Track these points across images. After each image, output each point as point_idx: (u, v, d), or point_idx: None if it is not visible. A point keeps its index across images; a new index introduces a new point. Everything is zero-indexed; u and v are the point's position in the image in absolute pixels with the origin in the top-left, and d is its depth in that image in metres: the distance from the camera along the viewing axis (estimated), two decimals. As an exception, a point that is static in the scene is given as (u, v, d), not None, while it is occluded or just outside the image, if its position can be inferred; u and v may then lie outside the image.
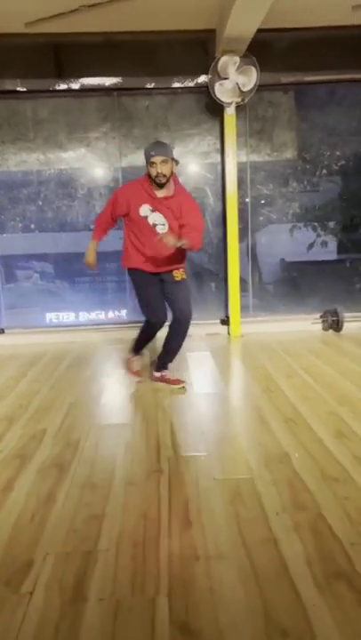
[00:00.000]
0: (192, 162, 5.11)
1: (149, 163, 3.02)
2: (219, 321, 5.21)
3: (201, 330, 5.04)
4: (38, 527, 1.83)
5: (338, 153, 5.17)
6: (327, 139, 5.16)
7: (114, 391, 3.39)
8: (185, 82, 4.77)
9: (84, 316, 5.28)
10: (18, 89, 4.73)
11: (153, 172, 3.03)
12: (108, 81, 4.75)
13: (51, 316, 5.28)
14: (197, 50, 4.75)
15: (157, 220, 3.13)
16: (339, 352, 4.22)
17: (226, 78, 4.48)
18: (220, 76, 4.51)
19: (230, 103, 4.64)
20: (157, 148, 3.04)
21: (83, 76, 4.72)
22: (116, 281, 5.37)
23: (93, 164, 5.08)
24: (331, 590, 1.46)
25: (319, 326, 5.11)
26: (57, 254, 5.31)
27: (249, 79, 4.46)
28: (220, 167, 5.06)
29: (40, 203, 5.12)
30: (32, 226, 5.18)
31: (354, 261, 5.46)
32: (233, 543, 1.69)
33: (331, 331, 5.01)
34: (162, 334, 3.42)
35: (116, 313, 5.28)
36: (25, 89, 4.73)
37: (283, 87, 4.96)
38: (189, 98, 4.96)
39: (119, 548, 1.69)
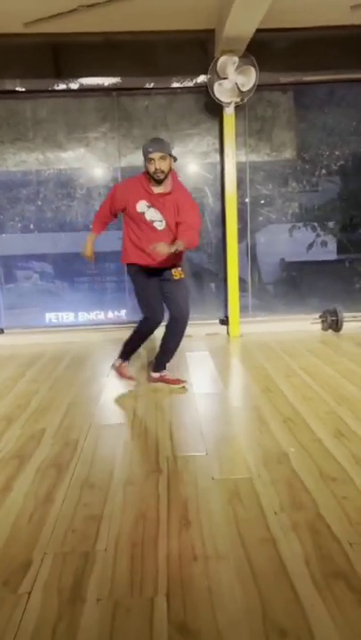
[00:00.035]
0: (191, 162, 5.11)
1: (147, 159, 3.03)
2: (218, 321, 5.21)
3: (200, 330, 5.04)
4: (37, 527, 1.83)
5: (337, 153, 5.17)
6: (326, 138, 5.16)
7: (113, 391, 3.38)
8: (184, 82, 4.77)
9: (83, 316, 5.28)
10: (17, 89, 4.73)
11: (151, 169, 3.04)
12: (107, 81, 4.75)
13: (50, 316, 5.28)
14: (196, 50, 4.75)
15: (154, 216, 3.14)
16: (338, 352, 4.22)
17: (225, 78, 4.48)
18: (219, 76, 4.51)
19: (229, 103, 4.64)
20: (156, 144, 3.05)
21: (82, 76, 4.72)
22: (115, 281, 5.37)
23: (92, 163, 5.08)
24: (329, 590, 1.46)
25: (318, 326, 5.11)
26: (56, 254, 5.31)
27: (248, 79, 4.46)
28: (219, 167, 5.06)
29: (39, 203, 5.12)
30: (31, 226, 5.18)
31: (353, 261, 5.46)
32: (231, 543, 1.69)
33: (330, 330, 5.01)
34: (155, 336, 3.41)
35: (116, 313, 5.28)
36: (24, 89, 4.74)
37: (282, 87, 4.96)
38: (188, 98, 4.96)
39: (118, 549, 1.69)
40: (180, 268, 3.25)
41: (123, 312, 5.25)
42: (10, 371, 4.02)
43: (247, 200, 5.16)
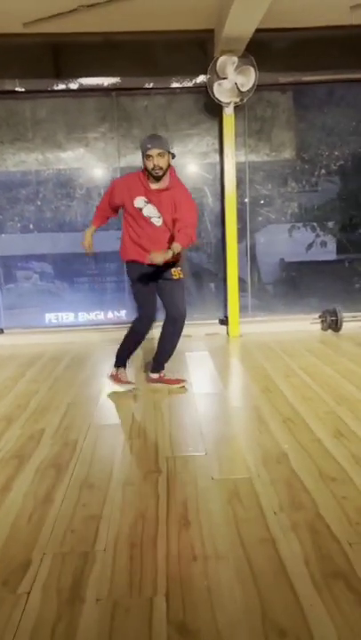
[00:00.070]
0: (191, 162, 5.11)
1: (146, 156, 3.04)
2: (218, 321, 5.21)
3: (200, 330, 5.04)
4: (36, 527, 1.83)
5: (336, 153, 5.17)
6: (326, 138, 5.16)
7: (113, 391, 3.37)
8: (184, 82, 4.78)
9: (83, 317, 5.28)
10: (16, 89, 4.73)
11: (149, 165, 3.04)
12: (106, 81, 4.75)
13: (50, 317, 5.27)
14: (196, 50, 4.76)
15: (152, 212, 3.14)
16: (338, 352, 4.22)
17: (224, 78, 4.48)
18: (218, 76, 4.50)
19: (229, 103, 4.64)
20: (154, 140, 3.05)
21: (81, 76, 4.72)
22: (115, 281, 5.37)
23: (92, 164, 5.08)
24: (329, 590, 1.46)
25: (318, 326, 5.11)
26: (56, 254, 5.31)
27: (247, 79, 4.46)
28: (218, 167, 5.06)
29: (39, 203, 5.12)
30: (31, 226, 5.18)
31: (353, 261, 5.46)
32: (231, 543, 1.69)
33: (330, 330, 5.01)
34: (153, 336, 3.41)
35: (116, 313, 5.27)
36: (23, 89, 4.74)
37: (281, 87, 4.96)
38: (188, 98, 4.96)
39: (117, 549, 1.69)
40: (179, 268, 3.24)
41: (123, 312, 5.25)
42: (10, 371, 4.02)
43: (247, 200, 5.16)
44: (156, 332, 3.44)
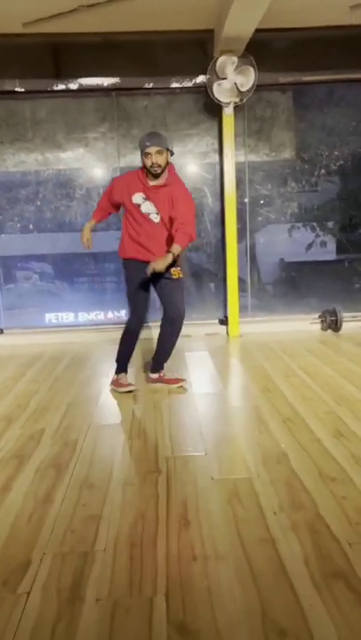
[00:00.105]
0: (190, 162, 5.11)
1: (144, 153, 3.05)
2: (217, 321, 5.21)
3: (200, 330, 5.04)
4: (36, 527, 1.83)
5: (336, 153, 5.17)
6: (326, 138, 5.16)
7: (113, 391, 3.37)
8: (183, 82, 4.78)
9: (83, 317, 5.28)
10: (16, 89, 4.73)
11: (148, 163, 3.05)
12: (106, 81, 4.75)
13: (50, 317, 5.27)
14: (196, 50, 4.76)
15: (150, 209, 3.15)
16: (337, 352, 4.22)
17: (224, 78, 4.48)
18: (218, 76, 4.50)
19: (229, 103, 4.64)
20: (152, 138, 3.06)
21: (81, 77, 4.72)
22: (115, 281, 5.37)
23: (92, 164, 5.08)
24: (329, 590, 1.46)
25: (318, 326, 5.11)
26: (56, 255, 5.31)
27: (247, 79, 4.46)
28: (218, 167, 5.06)
29: (39, 203, 5.12)
30: (31, 226, 5.18)
31: (353, 261, 5.46)
32: (231, 543, 1.69)
33: (329, 330, 5.01)
34: (152, 337, 3.41)
35: (116, 313, 5.27)
36: (23, 89, 4.74)
37: (281, 87, 4.96)
38: (188, 98, 4.96)
39: (117, 549, 1.69)
40: (179, 268, 3.23)
41: (123, 312, 5.24)
42: (10, 371, 4.02)
43: (246, 200, 5.17)
44: (155, 332, 3.44)
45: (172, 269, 3.18)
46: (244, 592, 1.46)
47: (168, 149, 3.09)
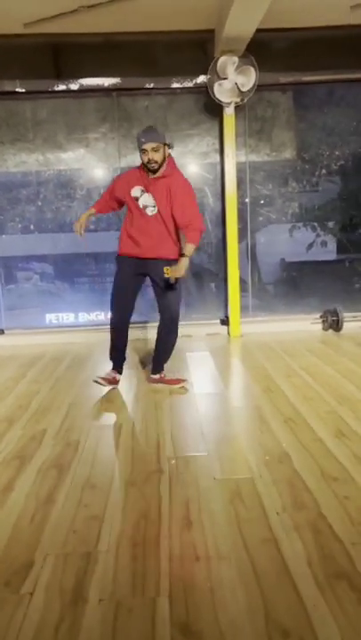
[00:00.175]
0: (191, 162, 5.11)
1: (141, 150, 3.06)
2: (218, 321, 5.21)
3: (201, 330, 5.04)
4: (38, 528, 1.83)
5: (337, 153, 5.17)
6: (326, 138, 5.16)
7: (113, 391, 3.38)
8: (184, 82, 4.78)
9: (83, 317, 5.28)
10: (17, 90, 4.73)
11: (144, 159, 3.07)
12: (107, 81, 4.75)
13: (50, 317, 5.27)
14: (196, 50, 4.75)
15: (148, 201, 3.16)
16: (338, 352, 4.22)
17: (225, 78, 4.48)
18: (219, 76, 4.50)
19: (229, 103, 4.64)
20: (148, 134, 3.07)
21: (82, 77, 4.72)
22: (115, 282, 5.37)
23: (92, 164, 5.08)
24: (332, 590, 1.46)
25: (319, 326, 5.11)
26: (56, 255, 5.31)
27: (248, 79, 4.46)
28: (219, 167, 5.05)
29: (39, 203, 5.12)
30: (31, 227, 5.18)
31: (353, 261, 5.46)
32: (233, 543, 1.69)
33: (330, 330, 5.01)
34: (151, 338, 3.41)
35: (116, 313, 5.26)
36: (24, 90, 4.73)
37: (281, 87, 4.96)
38: (188, 98, 4.96)
39: (119, 549, 1.69)
40: (173, 267, 3.18)
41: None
42: (11, 371, 4.02)
43: (247, 200, 5.16)
44: (154, 332, 3.44)
45: (165, 268, 3.14)
46: (247, 592, 1.46)
47: (165, 144, 3.09)
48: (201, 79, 4.72)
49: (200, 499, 1.98)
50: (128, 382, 3.54)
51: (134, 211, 3.21)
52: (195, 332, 4.95)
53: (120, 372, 3.43)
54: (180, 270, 3.10)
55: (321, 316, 5.11)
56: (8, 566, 1.62)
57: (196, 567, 1.58)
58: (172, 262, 3.16)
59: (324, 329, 5.07)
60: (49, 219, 5.15)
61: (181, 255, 3.14)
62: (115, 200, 3.38)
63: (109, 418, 2.97)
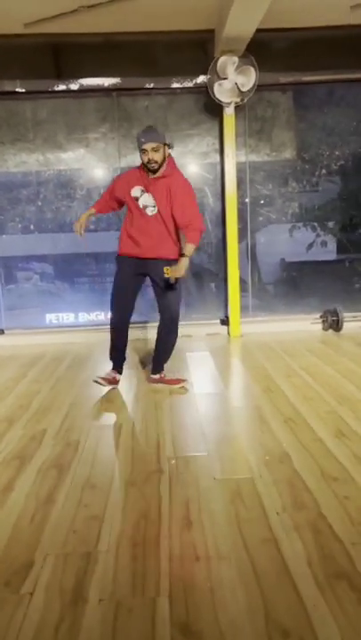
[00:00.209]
0: (191, 162, 5.11)
1: (140, 150, 3.06)
2: (218, 321, 5.21)
3: (201, 330, 5.04)
4: (38, 528, 1.83)
5: (337, 153, 5.17)
6: (326, 138, 5.16)
7: (113, 391, 3.38)
8: (184, 82, 4.77)
9: (83, 317, 5.28)
10: (17, 90, 4.73)
11: (144, 159, 3.08)
12: (107, 81, 4.75)
13: (50, 317, 5.27)
14: (196, 50, 4.75)
15: (148, 201, 3.16)
16: (338, 352, 4.22)
17: (225, 78, 4.48)
18: (219, 76, 4.50)
19: (229, 103, 4.64)
20: (148, 134, 3.07)
21: (82, 77, 4.71)
22: (115, 282, 5.37)
23: (92, 164, 5.08)
24: (332, 590, 1.46)
25: (319, 326, 5.11)
26: (56, 255, 5.31)
27: (248, 79, 4.45)
28: (219, 167, 5.06)
29: (39, 203, 5.12)
30: (31, 227, 5.18)
31: (353, 261, 5.46)
32: (233, 543, 1.69)
33: (330, 330, 5.01)
34: (151, 338, 3.41)
35: (116, 313, 5.26)
36: (24, 90, 4.73)
37: (282, 87, 4.96)
38: (188, 98, 4.96)
39: (119, 549, 1.69)
40: (173, 267, 3.19)
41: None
42: (11, 371, 4.02)
43: (247, 200, 5.16)
44: (154, 332, 3.45)
45: (165, 268, 3.14)
46: (247, 592, 1.46)
47: (165, 143, 3.09)
48: (201, 79, 4.72)
49: (200, 499, 1.98)
50: (128, 382, 3.54)
51: (134, 211, 3.21)
52: (195, 331, 4.95)
53: (120, 372, 3.43)
54: (180, 270, 3.11)
55: (321, 316, 5.11)
56: (8, 566, 1.62)
57: (196, 567, 1.58)
58: (172, 262, 3.16)
59: (325, 329, 5.07)
60: (49, 219, 5.15)
61: (181, 255, 3.14)
62: (115, 200, 3.38)
63: (109, 418, 2.97)
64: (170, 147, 3.14)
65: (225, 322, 5.15)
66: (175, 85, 4.80)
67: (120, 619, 1.38)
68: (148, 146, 3.03)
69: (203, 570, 1.57)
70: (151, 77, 4.77)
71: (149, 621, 1.37)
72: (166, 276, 3.12)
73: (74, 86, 4.73)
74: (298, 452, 2.35)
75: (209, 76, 4.56)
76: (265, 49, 4.54)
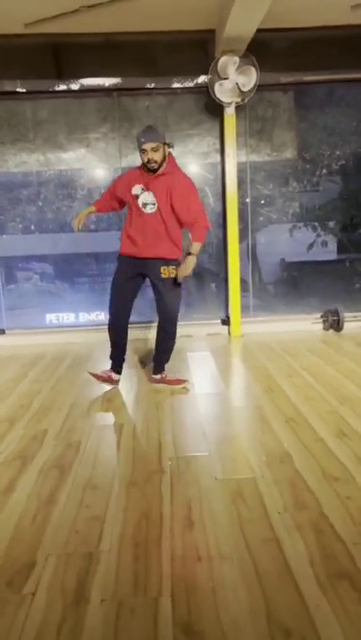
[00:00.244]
0: (192, 162, 5.10)
1: (140, 150, 3.06)
2: (219, 321, 5.21)
3: (201, 330, 5.04)
4: (40, 528, 1.83)
5: (338, 152, 5.17)
6: (327, 138, 5.16)
7: (114, 392, 3.38)
8: (185, 82, 4.77)
9: (83, 317, 5.27)
10: (17, 90, 4.72)
11: (144, 159, 3.08)
12: (107, 81, 4.75)
13: (51, 317, 5.27)
14: (197, 50, 4.75)
15: (147, 199, 3.16)
16: (339, 352, 4.22)
17: (226, 78, 4.48)
18: (219, 76, 4.50)
19: (230, 103, 4.64)
20: (147, 134, 3.07)
21: (82, 77, 4.71)
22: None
23: (93, 164, 5.08)
24: (334, 590, 1.46)
25: (319, 326, 5.11)
26: (57, 255, 5.31)
27: (249, 79, 4.45)
28: (219, 167, 5.05)
29: (40, 204, 5.12)
30: (32, 227, 5.17)
31: (354, 261, 5.46)
32: (235, 543, 1.69)
33: (331, 330, 5.01)
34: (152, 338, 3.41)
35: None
36: (24, 90, 4.73)
37: (282, 87, 4.96)
38: (189, 98, 4.96)
39: (121, 549, 1.69)
40: (171, 267, 3.19)
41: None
42: (12, 371, 4.02)
43: (248, 200, 5.16)
44: (154, 332, 3.45)
45: (162, 268, 3.15)
46: (249, 592, 1.46)
47: (165, 143, 3.09)
48: (202, 79, 4.72)
49: (202, 499, 1.98)
50: (129, 382, 3.54)
51: (134, 210, 3.22)
52: (195, 332, 4.95)
53: (118, 372, 3.43)
54: (187, 269, 3.14)
55: (322, 316, 5.11)
56: (10, 566, 1.62)
57: (198, 567, 1.58)
58: (170, 262, 3.17)
59: (325, 329, 5.07)
60: (49, 219, 5.15)
61: (188, 254, 3.16)
62: (115, 199, 3.39)
63: (110, 418, 2.97)
64: (170, 146, 3.14)
65: (226, 322, 5.15)
66: (176, 85, 4.79)
67: (122, 619, 1.39)
68: (147, 146, 3.03)
69: (205, 570, 1.57)
70: (152, 77, 4.76)
71: (151, 621, 1.37)
72: (163, 276, 3.13)
73: (74, 86, 4.73)
74: (299, 451, 2.35)
75: (210, 76, 4.56)
76: (266, 49, 4.54)
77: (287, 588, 1.47)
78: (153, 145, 3.03)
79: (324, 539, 1.69)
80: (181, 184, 3.15)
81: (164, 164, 3.13)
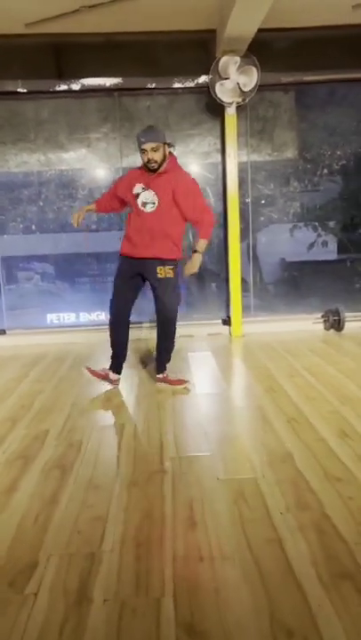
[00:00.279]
0: (193, 162, 5.10)
1: (140, 150, 3.07)
2: (220, 321, 5.21)
3: (202, 330, 5.04)
4: (42, 528, 1.83)
5: (339, 152, 5.17)
6: (328, 138, 5.16)
7: (115, 392, 3.38)
8: (186, 82, 4.77)
9: (84, 317, 5.27)
10: (18, 90, 4.72)
11: (144, 159, 3.09)
12: (108, 81, 4.74)
13: (52, 317, 5.27)
14: (198, 50, 4.75)
15: (148, 198, 3.15)
16: (340, 352, 4.22)
17: (227, 78, 4.48)
18: (220, 76, 4.50)
19: (231, 103, 4.63)
20: (147, 134, 3.07)
21: (83, 77, 4.71)
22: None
23: (94, 164, 5.08)
24: (336, 590, 1.46)
25: (320, 326, 5.11)
26: (57, 255, 5.31)
27: (250, 79, 4.45)
28: (220, 167, 5.05)
29: (41, 204, 5.12)
30: (33, 227, 5.18)
31: (354, 261, 5.46)
32: (237, 543, 1.69)
33: (332, 330, 5.01)
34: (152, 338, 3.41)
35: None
36: (25, 90, 4.73)
37: (283, 87, 4.96)
38: (190, 98, 4.95)
39: (123, 549, 1.69)
40: (168, 267, 3.18)
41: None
42: (13, 371, 4.02)
43: (248, 200, 5.16)
44: (154, 333, 3.45)
45: (158, 267, 3.15)
46: (252, 593, 1.46)
47: (165, 143, 3.10)
48: (203, 79, 4.72)
49: (203, 499, 1.98)
50: (129, 382, 3.54)
51: (133, 207, 3.22)
52: (196, 331, 4.95)
53: (117, 372, 3.42)
54: (193, 267, 3.18)
55: (322, 316, 5.11)
56: (12, 566, 1.62)
57: (201, 567, 1.58)
58: (167, 262, 3.17)
59: (326, 329, 5.07)
60: (50, 219, 5.15)
61: (194, 252, 3.18)
62: (116, 199, 3.39)
63: (112, 418, 2.97)
64: (170, 146, 3.14)
65: (226, 322, 5.15)
66: (177, 85, 4.79)
67: (125, 619, 1.39)
68: (147, 146, 3.03)
69: (207, 570, 1.57)
70: (153, 77, 4.76)
71: (154, 621, 1.37)
72: (159, 276, 3.14)
73: (75, 86, 4.73)
74: (301, 451, 2.35)
75: (211, 76, 4.56)
76: (267, 49, 4.53)
77: (290, 589, 1.47)
78: (153, 145, 3.03)
79: (327, 539, 1.69)
80: (185, 182, 3.15)
81: (164, 164, 3.13)
